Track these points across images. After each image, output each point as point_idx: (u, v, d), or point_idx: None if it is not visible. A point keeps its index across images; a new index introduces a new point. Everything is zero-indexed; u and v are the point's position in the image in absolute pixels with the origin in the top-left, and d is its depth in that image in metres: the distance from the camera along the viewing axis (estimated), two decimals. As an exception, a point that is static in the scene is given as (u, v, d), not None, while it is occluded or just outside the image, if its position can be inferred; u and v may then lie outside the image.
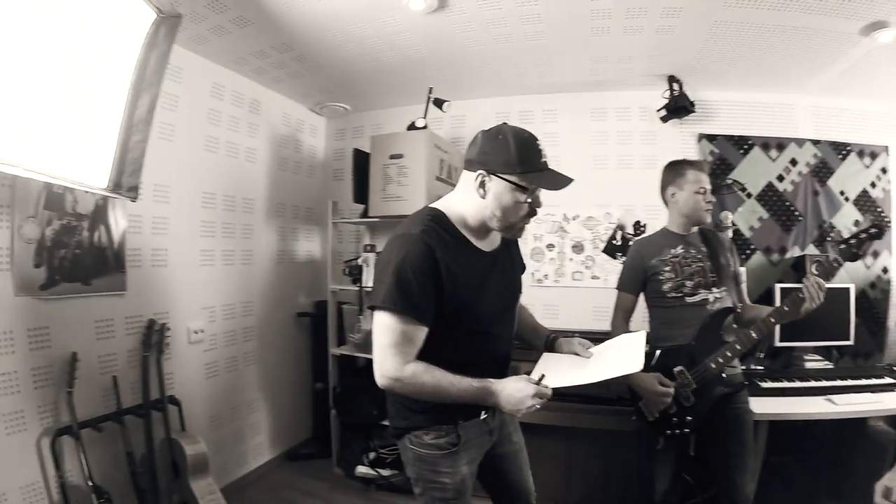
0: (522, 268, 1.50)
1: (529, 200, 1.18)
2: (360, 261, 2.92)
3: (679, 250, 1.89)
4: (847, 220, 2.90)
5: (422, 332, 1.14)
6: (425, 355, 1.16)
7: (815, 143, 2.92)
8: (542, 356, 1.41)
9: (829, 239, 2.48)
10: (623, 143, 3.03)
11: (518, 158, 1.14)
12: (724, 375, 1.77)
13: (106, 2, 1.55)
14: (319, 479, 3.05)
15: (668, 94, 2.78)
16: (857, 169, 2.92)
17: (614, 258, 3.00)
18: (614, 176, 3.03)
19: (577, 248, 3.07)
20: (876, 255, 2.87)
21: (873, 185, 2.93)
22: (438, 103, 2.85)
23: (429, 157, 2.67)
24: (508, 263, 1.37)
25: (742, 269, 2.27)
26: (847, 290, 2.56)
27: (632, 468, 2.38)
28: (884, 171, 2.93)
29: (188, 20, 2.09)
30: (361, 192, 2.91)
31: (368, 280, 2.88)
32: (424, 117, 2.83)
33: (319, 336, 3.31)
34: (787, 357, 2.65)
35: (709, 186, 1.88)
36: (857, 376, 2.30)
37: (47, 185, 1.92)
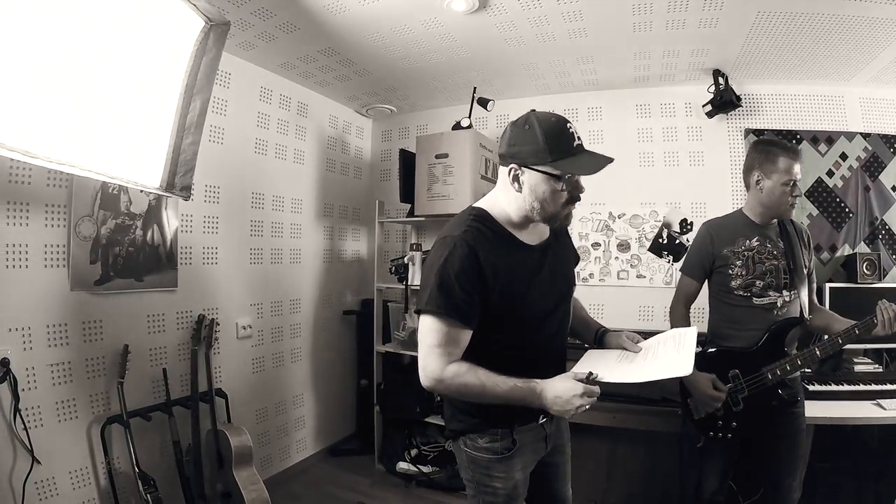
0: (576, 258, 1.45)
1: (567, 188, 1.14)
2: (406, 259, 2.97)
3: (754, 243, 1.75)
4: (900, 217, 2.82)
5: (465, 334, 1.13)
6: (480, 353, 1.15)
7: (866, 136, 2.84)
8: (587, 352, 1.35)
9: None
10: (668, 139, 3.00)
11: (547, 146, 1.10)
12: (784, 385, 1.69)
13: (158, 11, 1.60)
14: (361, 474, 3.09)
15: (713, 88, 2.74)
16: (911, 163, 2.83)
17: (660, 257, 2.97)
18: (660, 173, 3.00)
19: (623, 246, 3.05)
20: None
21: (928, 179, 2.83)
22: (483, 102, 2.88)
23: (474, 156, 2.70)
24: (559, 256, 1.32)
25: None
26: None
27: (674, 469, 2.34)
28: (939, 164, 2.83)
29: (236, 27, 2.17)
30: (407, 192, 2.96)
31: (414, 278, 2.92)
32: (469, 117, 2.86)
33: (365, 334, 3.36)
34: (836, 360, 2.55)
35: (799, 178, 1.71)
36: (909, 381, 2.23)
37: (103, 186, 2.02)
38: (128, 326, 2.15)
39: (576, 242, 3.11)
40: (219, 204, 2.58)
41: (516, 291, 1.17)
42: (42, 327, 1.85)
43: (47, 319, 1.87)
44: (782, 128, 2.89)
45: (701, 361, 1.65)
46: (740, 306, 1.76)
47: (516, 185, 1.15)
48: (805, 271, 1.77)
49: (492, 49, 2.55)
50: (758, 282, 1.72)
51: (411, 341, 2.96)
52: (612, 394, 2.34)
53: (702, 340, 1.69)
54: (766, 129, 2.89)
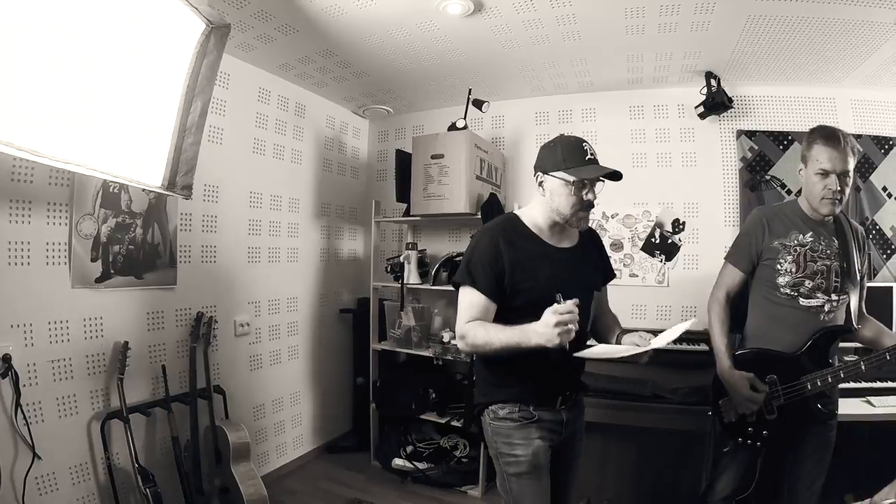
0: (607, 272, 1.62)
1: (576, 192, 1.36)
2: (401, 258, 3.00)
3: (808, 238, 1.60)
4: (890, 218, 2.84)
5: (484, 300, 1.36)
6: None
7: (857, 137, 2.84)
8: (598, 345, 1.47)
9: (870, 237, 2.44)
10: (661, 140, 3.03)
11: (563, 157, 1.36)
12: (824, 395, 1.58)
13: (161, 14, 1.63)
14: (357, 470, 3.13)
15: (705, 90, 2.77)
16: (901, 164, 2.86)
17: (653, 256, 3.01)
18: (653, 174, 3.03)
19: (616, 246, 3.08)
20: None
21: (918, 180, 2.86)
22: (478, 104, 2.91)
23: (469, 156, 2.74)
24: (581, 261, 1.51)
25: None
26: (890, 288, 2.51)
27: (666, 465, 2.37)
28: (929, 165, 2.86)
29: (235, 29, 2.19)
30: (403, 192, 2.99)
31: (410, 277, 2.96)
32: (464, 118, 2.90)
33: (361, 332, 3.40)
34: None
35: (838, 169, 1.50)
36: (897, 378, 2.25)
37: (104, 184, 2.05)
38: (128, 323, 2.18)
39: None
40: (217, 203, 2.62)
41: (530, 277, 1.37)
42: (43, 324, 1.88)
43: (48, 316, 1.90)
44: (773, 129, 2.92)
45: (738, 364, 1.64)
46: (784, 305, 1.61)
47: (541, 189, 1.42)
48: (858, 276, 1.62)
49: (486, 52, 2.58)
50: (807, 281, 1.58)
51: (407, 339, 3.01)
52: (604, 390, 2.35)
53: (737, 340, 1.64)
54: (758, 131, 2.93)
